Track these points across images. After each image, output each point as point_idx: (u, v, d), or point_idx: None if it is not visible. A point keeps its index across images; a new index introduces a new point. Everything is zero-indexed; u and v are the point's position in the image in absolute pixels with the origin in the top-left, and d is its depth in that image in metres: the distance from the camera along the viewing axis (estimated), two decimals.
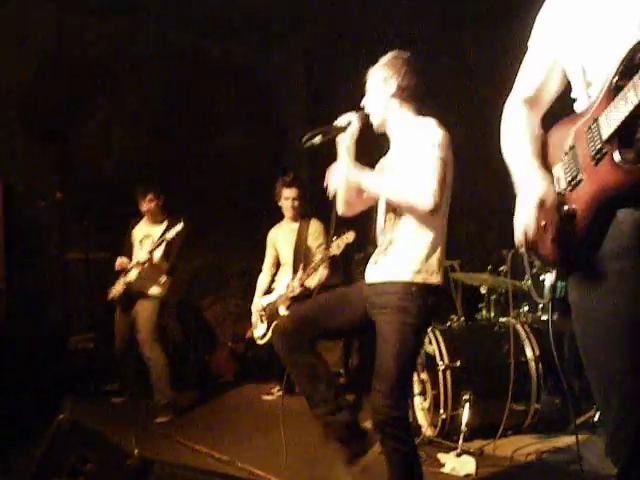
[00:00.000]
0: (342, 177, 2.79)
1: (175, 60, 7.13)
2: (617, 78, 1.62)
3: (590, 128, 1.70)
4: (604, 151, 1.64)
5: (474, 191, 5.53)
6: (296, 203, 5.11)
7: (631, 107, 1.55)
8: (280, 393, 5.72)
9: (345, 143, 2.80)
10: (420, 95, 2.82)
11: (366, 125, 2.85)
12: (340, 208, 2.92)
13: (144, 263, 5.03)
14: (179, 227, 4.85)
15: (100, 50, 6.62)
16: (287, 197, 5.13)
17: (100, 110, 6.71)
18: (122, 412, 5.34)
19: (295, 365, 2.86)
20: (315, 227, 5.07)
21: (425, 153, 2.61)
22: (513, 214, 1.89)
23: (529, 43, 2.01)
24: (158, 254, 5.02)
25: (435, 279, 2.69)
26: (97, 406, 5.34)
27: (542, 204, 1.77)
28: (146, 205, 5.23)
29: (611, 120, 1.62)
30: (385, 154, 2.93)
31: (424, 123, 2.72)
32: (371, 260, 2.86)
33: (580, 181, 1.73)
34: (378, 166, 2.94)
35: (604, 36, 1.73)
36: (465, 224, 5.77)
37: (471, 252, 5.35)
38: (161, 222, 5.22)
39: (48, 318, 6.09)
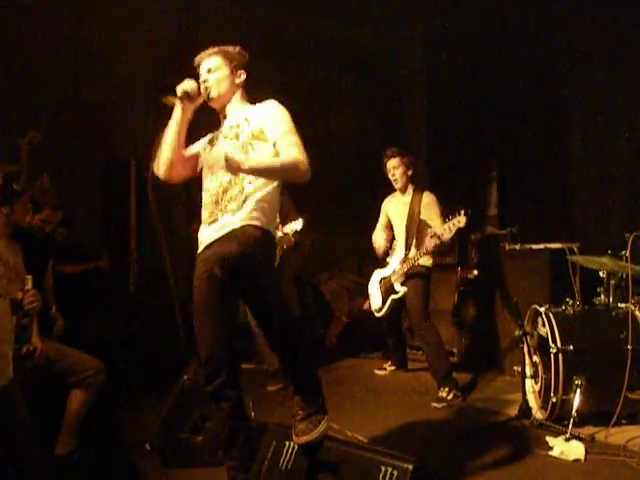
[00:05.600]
0: (170, 138, 3.03)
1: (295, 44, 7.33)
2: None
3: None
4: None
5: (597, 175, 5.35)
6: (397, 172, 5.13)
7: None
8: (392, 368, 5.81)
9: (186, 111, 3.01)
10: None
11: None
12: (161, 171, 3.10)
13: None
14: (298, 226, 5.03)
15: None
16: (389, 168, 5.18)
17: None
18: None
19: None
20: (427, 200, 5.04)
21: (283, 129, 2.91)
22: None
23: None
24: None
25: None
26: None
27: None
28: None
29: None
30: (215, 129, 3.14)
31: (271, 104, 3.00)
32: None
33: None
34: (209, 137, 3.15)
35: None
36: (587, 207, 5.59)
37: (592, 235, 5.17)
38: None
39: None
